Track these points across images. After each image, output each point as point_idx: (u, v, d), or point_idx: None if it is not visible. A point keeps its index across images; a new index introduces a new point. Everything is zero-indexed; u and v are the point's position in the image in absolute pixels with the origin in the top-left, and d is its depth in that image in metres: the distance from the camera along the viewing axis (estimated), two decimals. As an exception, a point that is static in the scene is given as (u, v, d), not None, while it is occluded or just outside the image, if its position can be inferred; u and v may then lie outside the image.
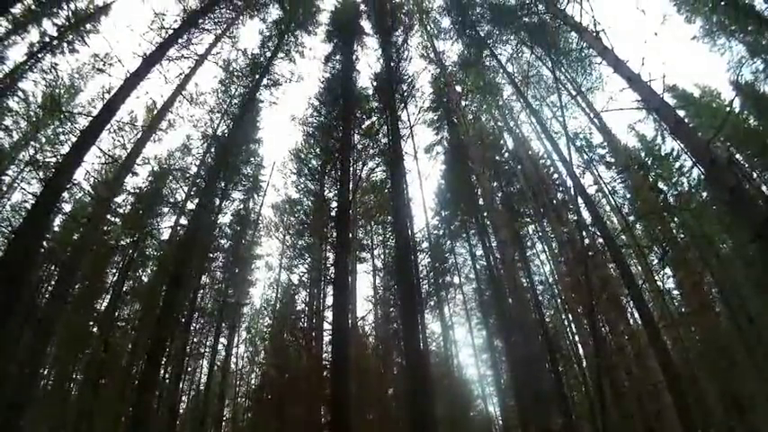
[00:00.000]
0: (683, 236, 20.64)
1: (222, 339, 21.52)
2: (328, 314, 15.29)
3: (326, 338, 17.69)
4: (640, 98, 11.46)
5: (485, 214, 19.68)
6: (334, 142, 17.26)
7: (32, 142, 20.97)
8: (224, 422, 23.61)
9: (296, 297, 21.12)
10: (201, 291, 20.34)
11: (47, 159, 19.60)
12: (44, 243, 16.92)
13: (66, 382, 19.52)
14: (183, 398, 21.60)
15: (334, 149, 17.04)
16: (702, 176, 17.90)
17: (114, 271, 20.35)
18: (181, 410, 21.53)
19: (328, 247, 17.03)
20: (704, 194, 19.46)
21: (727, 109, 16.40)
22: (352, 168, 15.93)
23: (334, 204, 15.62)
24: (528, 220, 21.95)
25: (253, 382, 22.56)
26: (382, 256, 21.75)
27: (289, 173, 22.66)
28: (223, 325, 21.30)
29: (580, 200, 13.52)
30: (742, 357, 19.01)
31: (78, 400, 18.61)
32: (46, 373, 19.14)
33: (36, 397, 16.66)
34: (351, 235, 16.94)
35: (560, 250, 19.36)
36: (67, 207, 20.24)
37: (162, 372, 17.79)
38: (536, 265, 21.86)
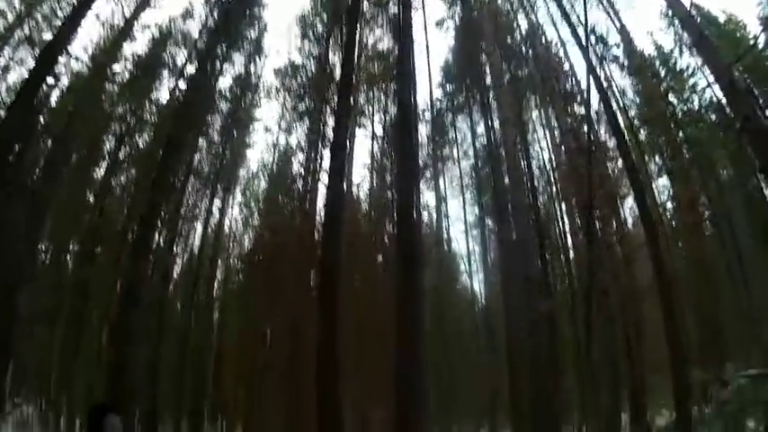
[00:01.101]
0: (686, 152, 20.41)
1: (217, 202, 21.73)
2: (324, 178, 15.28)
3: (321, 202, 17.78)
4: (666, 5, 10.86)
5: (490, 94, 19.32)
6: (342, 8, 16.58)
7: (28, 20, 19.94)
8: (216, 284, 24.29)
9: (293, 160, 21.09)
10: (198, 154, 20.24)
11: (43, 36, 18.83)
12: (40, 116, 16.50)
13: (63, 253, 19.72)
14: (177, 261, 22.00)
15: (342, 15, 16.39)
16: (715, 98, 17.49)
17: (111, 138, 20.07)
18: (174, 274, 22.01)
19: (329, 111, 16.75)
20: (713, 117, 19.03)
21: (751, 42, 15.60)
22: (358, 35, 15.42)
23: (338, 69, 15.23)
24: (533, 104, 21.55)
25: (246, 244, 22.96)
26: (382, 124, 21.51)
27: (293, 37, 21.92)
28: (218, 187, 21.38)
29: (592, 88, 13.19)
30: (724, 286, 19.40)
31: (74, 271, 18.98)
32: (44, 248, 19.21)
33: (34, 274, 16.90)
34: (352, 100, 16.59)
35: (562, 139, 19.15)
36: (65, 80, 19.59)
37: (156, 235, 17.92)
38: (536, 150, 21.72)
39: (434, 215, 21.40)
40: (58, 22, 17.24)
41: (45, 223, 17.03)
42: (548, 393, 12.42)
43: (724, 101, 13.73)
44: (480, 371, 22.97)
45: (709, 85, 16.97)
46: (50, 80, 14.66)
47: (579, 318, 17.68)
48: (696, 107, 19.54)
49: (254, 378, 18.94)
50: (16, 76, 18.22)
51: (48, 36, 16.94)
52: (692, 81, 19.53)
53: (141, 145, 20.19)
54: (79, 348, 17.84)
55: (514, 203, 14.45)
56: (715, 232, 20.83)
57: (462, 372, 23.82)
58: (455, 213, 30.15)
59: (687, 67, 19.64)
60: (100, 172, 19.77)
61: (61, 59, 14.70)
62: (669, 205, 21.94)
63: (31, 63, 14.01)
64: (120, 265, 17.21)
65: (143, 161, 19.00)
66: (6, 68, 19.99)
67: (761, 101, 15.30)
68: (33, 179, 15.76)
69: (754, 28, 21.65)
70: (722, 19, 22.43)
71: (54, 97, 19.55)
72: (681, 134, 20.55)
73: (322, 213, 15.78)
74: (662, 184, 21.64)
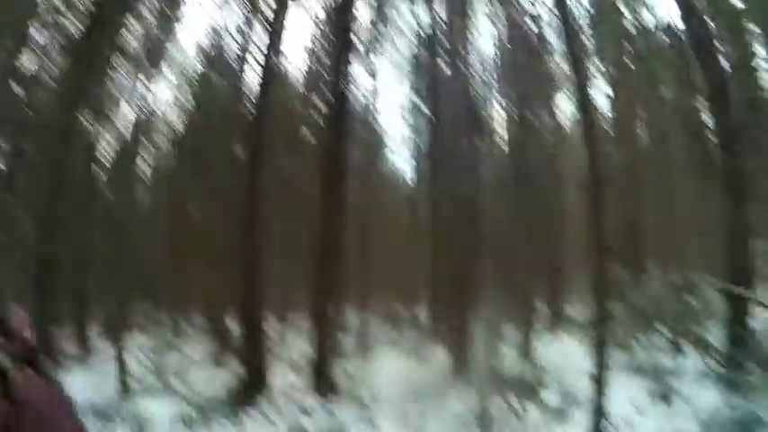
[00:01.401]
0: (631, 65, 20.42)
1: (147, 83, 20.76)
2: (260, 57, 14.75)
3: (255, 82, 17.28)
4: None
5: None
6: None
7: None
8: (147, 168, 23.68)
9: (227, 39, 20.22)
10: (127, 31, 19.15)
11: None
12: None
13: None
14: (106, 147, 21.29)
15: None
16: (672, 21, 17.35)
17: (37, 25, 18.84)
18: (103, 160, 21.33)
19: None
20: (666, 39, 18.97)
21: None
22: None
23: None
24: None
25: (177, 127, 22.28)
26: (322, 3, 20.80)
27: None
28: (148, 67, 20.45)
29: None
30: (650, 192, 19.89)
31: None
32: None
33: None
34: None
35: (508, 34, 18.87)
36: None
37: (83, 120, 17.16)
38: (478, 43, 21.43)
39: (369, 98, 21.04)
40: None
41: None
42: (467, 273, 12.79)
43: (679, 23, 13.67)
44: (404, 252, 23.56)
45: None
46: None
47: (507, 203, 18.03)
48: (648, 24, 19.52)
49: (185, 261, 18.98)
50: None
51: None
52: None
53: (72, 31, 19.10)
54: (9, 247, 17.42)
55: (450, 90, 14.33)
56: (650, 143, 21.31)
57: (385, 251, 24.59)
58: (390, 96, 29.87)
59: None
60: (28, 62, 18.74)
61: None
62: (608, 113, 22.36)
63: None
64: (47, 153, 16.68)
65: (70, 45, 18.01)
66: None
67: (717, 29, 15.32)
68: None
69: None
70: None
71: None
72: (629, 47, 20.60)
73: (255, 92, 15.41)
74: (603, 91, 21.93)
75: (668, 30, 17.80)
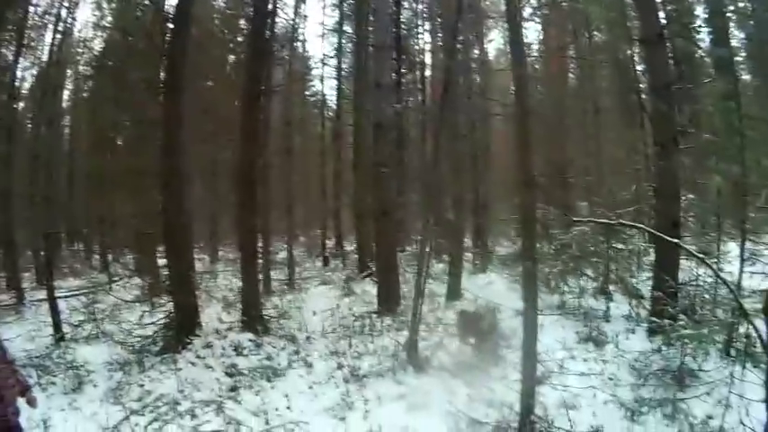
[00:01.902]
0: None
1: (66, 4, 19.24)
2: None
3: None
4: None
5: None
6: None
7: None
8: (66, 94, 22.50)
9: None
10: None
11: None
12: None
13: None
14: (25, 74, 19.83)
15: None
16: None
17: None
18: (22, 89, 19.98)
19: None
20: None
21: None
22: None
23: None
24: None
25: (96, 48, 20.87)
26: None
27: None
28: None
29: None
30: (576, 135, 20.32)
31: None
32: None
33: None
34: None
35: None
36: None
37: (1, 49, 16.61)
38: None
39: (291, 15, 20.25)
40: None
41: None
42: (392, 204, 12.88)
43: None
44: (327, 178, 23.92)
45: None
46: None
47: (429, 131, 18.06)
48: None
49: (106, 190, 18.23)
50: None
51: None
52: None
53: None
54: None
55: (375, 9, 13.87)
56: (578, 85, 21.56)
57: (308, 178, 24.70)
58: (313, 15, 28.97)
59: None
60: None
61: None
62: (536, 48, 22.39)
63: None
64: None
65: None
66: None
67: None
68: None
69: None
70: None
71: None
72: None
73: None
74: (534, 27, 21.89)
75: None
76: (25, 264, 17.68)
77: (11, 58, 17.29)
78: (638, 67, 15.74)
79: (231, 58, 20.24)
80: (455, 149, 14.85)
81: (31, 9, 18.08)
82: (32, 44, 18.81)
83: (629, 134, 17.89)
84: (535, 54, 22.09)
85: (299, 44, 22.78)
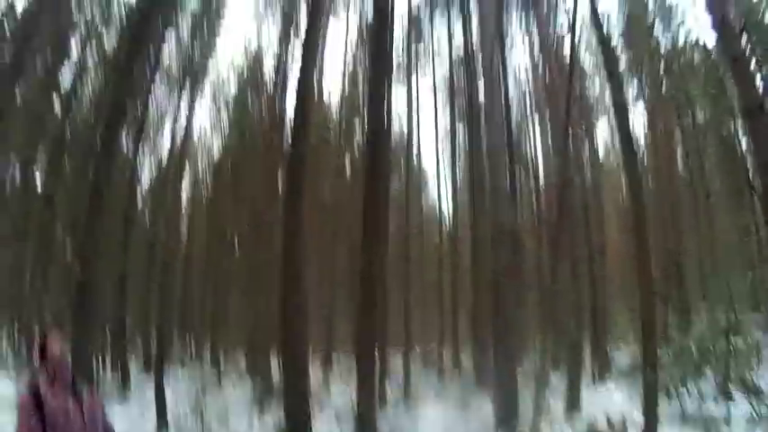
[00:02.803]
0: (665, 86, 20.10)
1: (185, 104, 20.91)
2: (295, 80, 14.71)
3: (291, 105, 17.31)
4: None
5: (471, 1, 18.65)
6: None
7: None
8: (184, 189, 23.91)
9: (264, 62, 20.26)
10: (166, 53, 19.26)
11: None
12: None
13: (29, 167, 18.84)
14: (144, 168, 21.51)
15: None
16: (703, 41, 17.03)
17: (77, 43, 18.95)
18: (141, 180, 21.60)
19: (302, 10, 16.02)
20: (696, 56, 18.62)
21: None
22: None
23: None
24: (515, 17, 20.87)
25: (215, 149, 22.41)
26: (357, 26, 20.75)
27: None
28: (187, 88, 20.54)
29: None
30: (689, 227, 19.47)
31: (43, 186, 18.39)
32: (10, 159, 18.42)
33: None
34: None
35: (543, 55, 18.66)
36: None
37: (123, 141, 16.98)
38: (514, 63, 21.31)
39: (405, 120, 20.89)
40: None
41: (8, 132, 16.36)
42: (510, 311, 12.48)
43: (713, 38, 13.32)
44: (443, 284, 23.24)
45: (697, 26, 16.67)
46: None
47: (546, 236, 17.71)
48: (682, 43, 19.16)
49: (221, 288, 18.94)
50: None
51: None
52: (680, 17, 19.13)
53: (108, 47, 19.16)
54: (48, 266, 17.51)
55: (487, 114, 14.06)
56: (685, 168, 20.91)
57: (425, 284, 24.28)
58: (427, 123, 29.78)
59: (677, 4, 19.19)
60: (66, 75, 18.84)
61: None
62: (642, 135, 22.03)
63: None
64: (86, 174, 16.75)
65: (110, 63, 18.08)
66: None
67: (752, 44, 14.97)
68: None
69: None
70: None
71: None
72: (663, 66, 20.25)
73: (292, 116, 15.41)
74: (636, 113, 21.68)
75: (702, 48, 17.56)
76: (133, 347, 18.29)
77: (131, 150, 18.41)
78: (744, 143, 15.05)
79: (348, 167, 20.94)
80: (572, 253, 14.45)
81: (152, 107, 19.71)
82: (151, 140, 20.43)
83: (740, 216, 16.92)
84: (643, 140, 21.76)
85: (414, 150, 23.27)
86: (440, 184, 23.99)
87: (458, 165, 23.12)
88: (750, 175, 13.73)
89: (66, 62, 18.51)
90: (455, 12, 20.79)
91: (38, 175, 19.07)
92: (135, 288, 18.73)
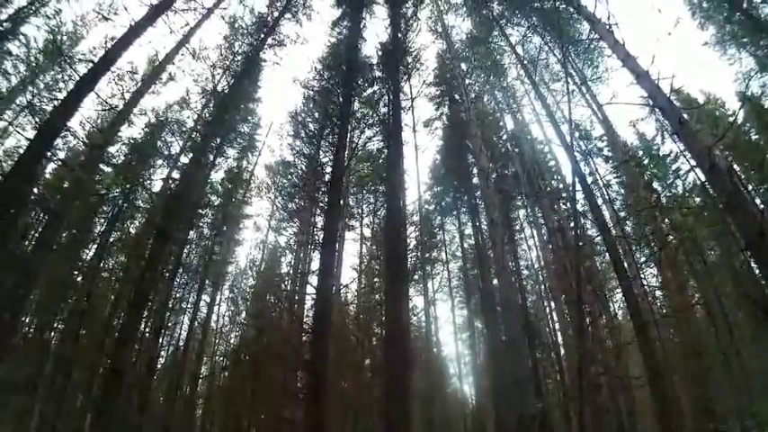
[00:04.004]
0: (672, 237, 20.75)
1: (204, 296, 21.58)
2: (313, 279, 15.32)
3: (309, 303, 17.75)
4: (646, 95, 11.39)
5: (477, 194, 19.76)
6: (334, 107, 17.19)
7: (30, 87, 20.64)
8: (201, 379, 23.78)
9: (281, 259, 21.18)
10: (188, 246, 20.26)
11: (43, 105, 19.47)
12: (34, 189, 16.75)
13: (47, 330, 19.38)
14: (162, 353, 21.72)
15: (333, 115, 16.97)
16: (699, 181, 17.99)
17: (102, 221, 20.25)
18: (159, 365, 21.67)
19: (318, 211, 17.01)
20: (697, 200, 19.53)
21: (731, 119, 16.25)
22: (349, 135, 15.92)
23: (329, 169, 15.62)
24: (520, 204, 22.04)
25: (232, 341, 22.64)
26: (371, 226, 21.81)
27: (285, 135, 22.66)
28: (206, 282, 21.28)
29: (577, 186, 13.58)
30: (717, 365, 19.20)
31: (57, 349, 18.69)
32: (27, 320, 19.07)
33: (15, 345, 16.65)
34: (342, 201, 16.93)
35: (549, 238, 19.46)
36: (61, 154, 19.91)
37: (142, 325, 17.84)
38: (523, 249, 22.07)
39: (423, 317, 21.33)
40: (60, 94, 17.72)
41: (31, 296, 16.88)
42: None
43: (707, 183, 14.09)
44: None
45: (691, 168, 17.58)
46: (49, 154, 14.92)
47: (572, 415, 17.27)
48: (680, 191, 20.05)
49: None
50: (14, 141, 18.52)
51: (48, 107, 17.41)
52: (674, 166, 20.17)
53: (131, 231, 20.32)
54: (57, 426, 17.27)
55: (503, 303, 14.42)
56: (705, 312, 20.82)
57: None
58: (444, 316, 30.23)
59: (670, 153, 20.34)
60: (89, 252, 19.79)
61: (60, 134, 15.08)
62: (658, 293, 22.19)
63: (30, 132, 14.28)
64: (104, 350, 16.98)
65: (132, 247, 19.05)
66: (5, 131, 20.51)
67: (742, 177, 15.74)
68: (23, 250, 15.71)
69: (733, 104, 22.59)
70: (702, 99, 23.45)
71: (49, 170, 19.93)
72: (666, 220, 21.01)
73: (310, 314, 15.77)
74: (650, 272, 21.99)
75: (699, 189, 18.22)
76: None
77: (148, 333, 18.86)
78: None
79: (367, 362, 21.05)
80: (599, 423, 14.07)
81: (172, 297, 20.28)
82: (170, 326, 20.84)
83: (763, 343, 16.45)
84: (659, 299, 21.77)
85: (434, 345, 23.45)
86: (461, 374, 23.94)
87: (477, 354, 23.40)
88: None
89: (91, 240, 19.52)
90: (463, 208, 22.06)
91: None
92: None
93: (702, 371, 18.62)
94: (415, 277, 20.15)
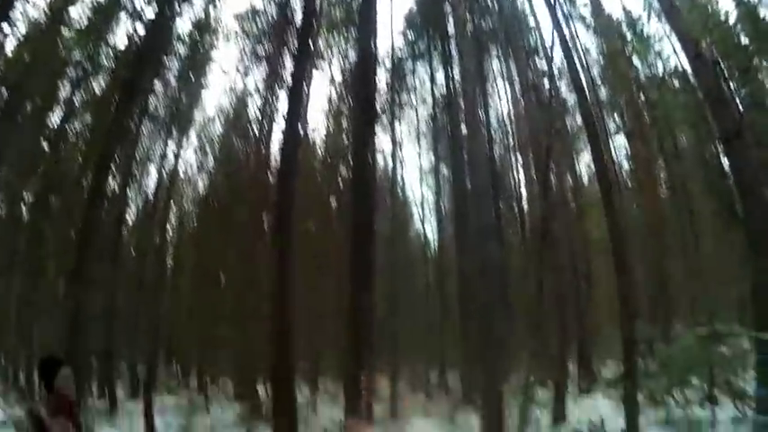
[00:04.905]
0: (646, 115, 20.76)
1: (172, 145, 21.31)
2: (281, 121, 15.18)
3: (277, 146, 17.67)
4: None
5: (452, 43, 19.33)
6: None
7: None
8: (170, 228, 24.15)
9: (249, 104, 20.75)
10: (154, 96, 19.72)
11: None
12: None
13: (17, 204, 19.22)
14: (131, 205, 21.86)
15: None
16: (681, 67, 17.67)
17: (67, 84, 19.41)
18: (128, 218, 21.92)
19: (287, 55, 16.56)
20: (676, 83, 19.28)
21: (722, 17, 15.58)
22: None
23: (299, 12, 15.03)
24: (495, 56, 21.62)
25: (201, 188, 22.74)
26: (341, 69, 21.38)
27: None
28: (174, 131, 20.98)
29: (556, 44, 13.29)
30: (675, 248, 19.91)
31: (30, 223, 18.70)
32: None
33: None
34: (313, 46, 16.38)
35: (523, 94, 19.29)
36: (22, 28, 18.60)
37: (110, 181, 17.30)
38: (495, 102, 21.94)
39: (389, 161, 21.43)
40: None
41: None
42: (497, 339, 12.75)
43: (689, 69, 13.90)
44: (431, 315, 23.48)
45: (675, 52, 17.35)
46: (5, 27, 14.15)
47: (531, 267, 18.10)
48: (660, 72, 19.81)
49: (208, 322, 19.08)
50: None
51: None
52: (657, 47, 19.79)
53: (97, 91, 19.61)
54: (36, 299, 17.71)
55: (470, 152, 14.52)
56: (670, 194, 21.42)
57: (413, 316, 24.47)
58: (411, 160, 30.26)
59: (654, 35, 19.84)
60: (55, 119, 19.24)
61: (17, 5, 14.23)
62: (626, 164, 22.65)
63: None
64: (75, 213, 17.01)
65: (99, 107, 18.51)
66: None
67: (726, 73, 15.59)
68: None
69: (727, 4, 21.87)
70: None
71: (9, 45, 18.88)
72: (642, 96, 20.96)
73: (278, 157, 15.75)
74: (619, 143, 22.27)
75: (679, 75, 18.13)
76: (120, 373, 18.35)
77: (118, 189, 18.82)
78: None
79: (334, 204, 21.32)
80: (557, 281, 14.82)
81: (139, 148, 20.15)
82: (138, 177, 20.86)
83: (724, 235, 17.28)
84: (625, 167, 22.36)
85: (399, 189, 24.01)
86: (424, 219, 24.75)
87: (442, 201, 24.03)
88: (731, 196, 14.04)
89: (56, 106, 18.93)
90: (437, 56, 21.57)
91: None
92: (123, 319, 18.83)
93: (661, 249, 19.40)
94: (384, 120, 20.09)
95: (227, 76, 23.71)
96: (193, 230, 23.88)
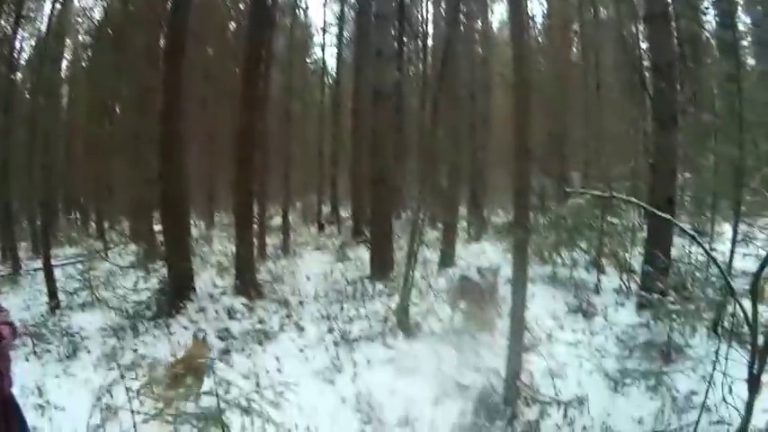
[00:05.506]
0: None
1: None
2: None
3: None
4: None
5: None
6: None
7: None
8: (65, 61, 22.43)
9: None
10: None
11: None
12: None
13: None
14: (24, 44, 20.17)
15: None
16: None
17: None
18: (21, 58, 20.28)
19: None
20: None
21: None
22: None
23: None
24: None
25: (96, 17, 20.79)
26: None
27: None
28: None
29: None
30: (577, 109, 19.99)
31: None
32: None
33: None
34: None
35: None
36: None
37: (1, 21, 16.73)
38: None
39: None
40: None
41: None
42: (389, 171, 12.89)
43: None
44: (325, 145, 23.85)
45: None
46: None
47: (428, 99, 18.07)
48: None
49: (104, 158, 18.33)
50: None
51: None
52: None
53: None
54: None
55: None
56: (581, 59, 21.34)
57: (306, 144, 24.68)
58: None
59: None
60: None
61: None
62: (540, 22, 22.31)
63: None
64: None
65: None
66: None
67: None
68: None
69: None
70: None
71: None
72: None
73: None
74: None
75: None
76: (22, 233, 17.81)
77: (9, 28, 17.32)
78: (642, 45, 15.61)
79: (232, 25, 20.19)
80: (454, 118, 14.82)
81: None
82: (31, 14, 18.95)
83: (629, 110, 17.82)
84: (539, 27, 22.16)
85: (300, 11, 22.94)
86: (325, 44, 24.63)
87: (345, 27, 23.67)
88: (644, 75, 14.16)
89: None
90: None
91: None
92: (18, 169, 17.76)
93: (564, 107, 19.50)
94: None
95: None
96: (88, 63, 22.20)
